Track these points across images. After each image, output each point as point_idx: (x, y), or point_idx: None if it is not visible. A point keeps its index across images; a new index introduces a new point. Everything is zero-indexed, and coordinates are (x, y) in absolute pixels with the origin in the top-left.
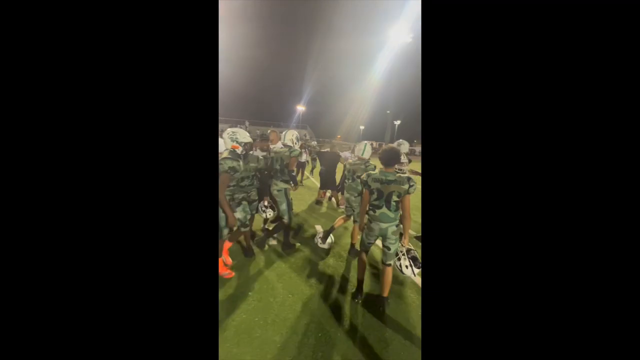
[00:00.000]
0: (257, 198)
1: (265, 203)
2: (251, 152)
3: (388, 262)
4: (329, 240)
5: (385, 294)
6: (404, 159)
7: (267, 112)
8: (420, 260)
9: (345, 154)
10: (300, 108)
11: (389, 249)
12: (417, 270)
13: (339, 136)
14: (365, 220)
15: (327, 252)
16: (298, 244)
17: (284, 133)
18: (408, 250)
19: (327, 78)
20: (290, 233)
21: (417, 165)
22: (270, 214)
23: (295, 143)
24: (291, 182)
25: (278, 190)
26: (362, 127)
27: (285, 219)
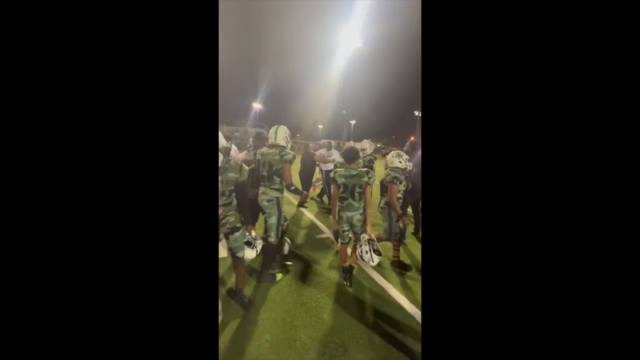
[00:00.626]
0: (239, 224)
1: (253, 234)
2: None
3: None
4: (286, 246)
5: (349, 264)
6: (403, 160)
7: (220, 109)
8: (381, 252)
9: (321, 152)
10: (257, 106)
11: (356, 234)
12: (376, 259)
13: (298, 135)
14: (337, 212)
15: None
16: (280, 275)
17: (274, 129)
18: (371, 241)
19: (284, 77)
20: (273, 257)
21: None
22: (260, 245)
23: (288, 142)
24: (302, 191)
25: (268, 201)
26: (320, 126)
27: (272, 237)
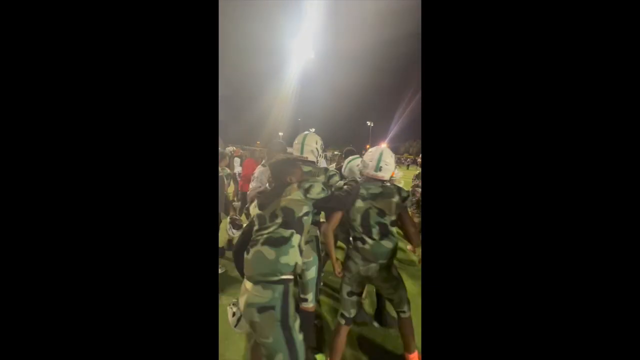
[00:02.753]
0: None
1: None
2: None
3: None
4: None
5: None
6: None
7: None
8: (239, 225)
9: None
10: None
11: None
12: (236, 232)
13: (258, 142)
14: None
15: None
16: (321, 357)
17: (303, 136)
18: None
19: (238, 83)
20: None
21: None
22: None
23: (320, 155)
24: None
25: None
26: (281, 134)
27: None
